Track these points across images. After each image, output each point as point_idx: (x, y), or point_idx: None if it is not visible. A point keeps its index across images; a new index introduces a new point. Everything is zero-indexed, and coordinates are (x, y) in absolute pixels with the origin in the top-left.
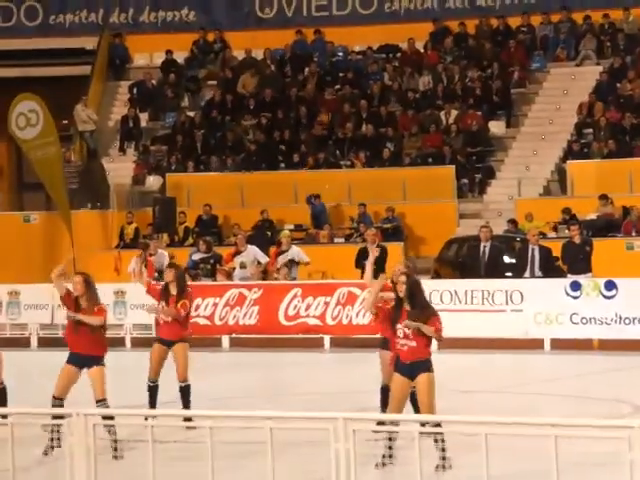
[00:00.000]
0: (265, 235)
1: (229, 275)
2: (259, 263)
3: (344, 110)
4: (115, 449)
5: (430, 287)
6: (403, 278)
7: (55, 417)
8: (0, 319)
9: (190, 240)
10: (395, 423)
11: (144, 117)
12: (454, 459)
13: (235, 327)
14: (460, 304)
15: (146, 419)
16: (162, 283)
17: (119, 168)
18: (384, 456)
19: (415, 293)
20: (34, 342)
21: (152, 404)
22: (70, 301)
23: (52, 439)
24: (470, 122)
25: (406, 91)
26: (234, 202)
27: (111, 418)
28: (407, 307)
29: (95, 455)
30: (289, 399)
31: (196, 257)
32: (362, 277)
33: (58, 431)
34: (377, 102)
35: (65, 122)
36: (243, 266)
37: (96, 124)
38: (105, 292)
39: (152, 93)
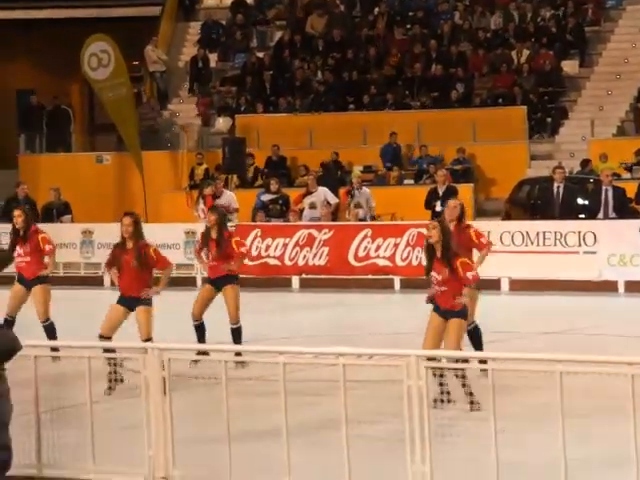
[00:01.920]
0: (335, 176)
1: (300, 216)
2: (329, 204)
3: (414, 50)
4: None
5: (501, 228)
6: (436, 224)
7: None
8: (74, 258)
9: (260, 181)
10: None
11: (213, 58)
12: (530, 397)
13: (305, 268)
14: (532, 246)
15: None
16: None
17: (189, 109)
18: (442, 392)
19: (446, 240)
20: (107, 281)
21: (202, 342)
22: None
23: (112, 372)
24: (542, 62)
25: (477, 30)
26: (303, 143)
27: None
28: (439, 254)
29: (169, 390)
30: (359, 339)
31: (265, 198)
32: (432, 218)
33: (121, 365)
34: (447, 42)
35: (136, 63)
36: (313, 206)
37: (166, 65)
38: (176, 232)
39: (221, 34)
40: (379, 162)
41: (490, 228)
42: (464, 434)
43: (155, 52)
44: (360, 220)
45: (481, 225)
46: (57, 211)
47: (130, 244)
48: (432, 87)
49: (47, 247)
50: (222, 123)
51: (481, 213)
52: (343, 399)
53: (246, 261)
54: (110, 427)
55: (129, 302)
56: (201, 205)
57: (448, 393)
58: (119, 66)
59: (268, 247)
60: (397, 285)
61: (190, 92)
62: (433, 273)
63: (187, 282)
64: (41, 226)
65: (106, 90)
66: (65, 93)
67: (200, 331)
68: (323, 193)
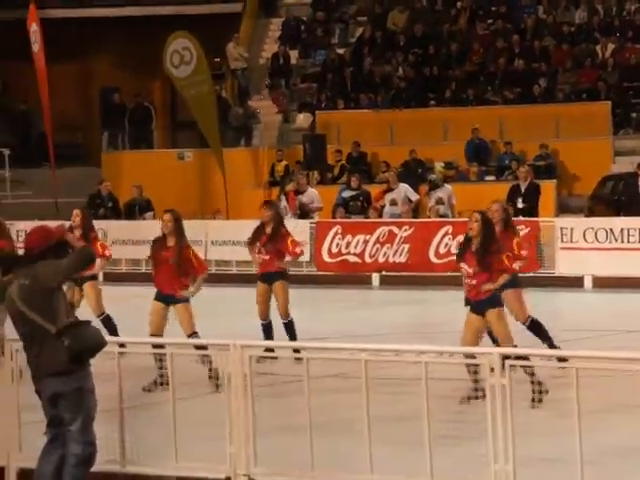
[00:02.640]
0: (415, 172)
1: (380, 213)
2: (410, 200)
3: (496, 45)
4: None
5: (585, 225)
6: (477, 216)
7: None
8: None
9: (344, 178)
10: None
11: (294, 55)
12: (613, 395)
13: (385, 264)
14: (616, 242)
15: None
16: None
17: (269, 106)
18: (476, 389)
19: (486, 234)
20: None
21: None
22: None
23: (161, 368)
24: (628, 56)
25: (561, 25)
26: (383, 139)
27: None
28: (474, 247)
29: (252, 386)
30: (440, 337)
31: (345, 194)
32: (514, 215)
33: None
34: (530, 36)
35: (217, 60)
36: (394, 203)
37: (247, 62)
38: None
39: (302, 30)
40: (460, 158)
41: (573, 225)
42: (547, 432)
43: (236, 49)
44: (441, 217)
45: (564, 222)
46: (139, 208)
47: (171, 241)
48: (514, 82)
49: (107, 252)
50: (302, 119)
51: (564, 209)
52: (425, 397)
53: (326, 258)
54: (192, 424)
55: (166, 298)
56: (283, 201)
57: (483, 390)
58: (201, 63)
59: (348, 244)
60: None
61: (271, 89)
62: (464, 265)
63: None
64: (124, 223)
65: (188, 87)
66: (147, 90)
67: (267, 331)
68: (404, 190)
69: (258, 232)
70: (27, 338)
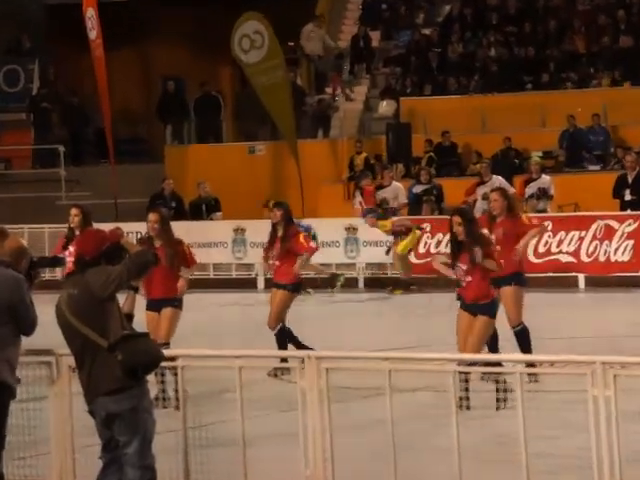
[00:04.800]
0: (511, 163)
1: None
2: None
3: (599, 22)
4: None
5: None
6: (458, 219)
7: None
8: (225, 258)
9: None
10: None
11: (376, 36)
12: None
13: None
14: None
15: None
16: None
17: (350, 92)
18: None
19: (469, 228)
20: (260, 284)
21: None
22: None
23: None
24: None
25: None
26: (475, 127)
27: None
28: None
29: (328, 400)
30: (539, 344)
31: (416, 190)
32: (621, 209)
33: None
34: (637, 11)
35: (291, 44)
36: (486, 197)
37: (326, 45)
38: (335, 228)
39: (384, 9)
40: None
41: None
42: None
43: (313, 32)
44: (539, 212)
45: None
46: (207, 207)
47: (158, 242)
48: (620, 62)
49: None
50: (385, 107)
51: None
52: (521, 411)
53: (413, 259)
54: (263, 444)
55: (157, 305)
56: (358, 198)
57: (467, 399)
58: (273, 47)
59: (439, 242)
60: (582, 283)
61: (351, 74)
62: (459, 264)
63: (348, 283)
64: (189, 224)
65: (259, 74)
66: (214, 79)
67: (280, 338)
68: (498, 182)
69: (272, 236)
70: (78, 353)
